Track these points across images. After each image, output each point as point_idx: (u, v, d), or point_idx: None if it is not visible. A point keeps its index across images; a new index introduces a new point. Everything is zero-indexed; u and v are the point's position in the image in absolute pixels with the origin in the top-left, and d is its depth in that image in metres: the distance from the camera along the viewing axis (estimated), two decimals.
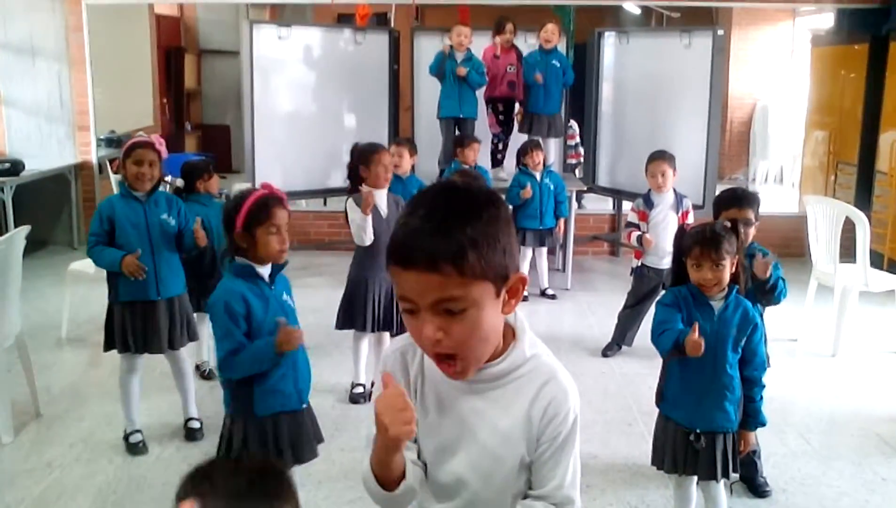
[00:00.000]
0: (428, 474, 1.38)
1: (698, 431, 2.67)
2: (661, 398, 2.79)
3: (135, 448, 3.62)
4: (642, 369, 4.62)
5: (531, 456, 1.31)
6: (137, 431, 3.67)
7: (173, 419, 3.87)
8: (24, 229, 3.91)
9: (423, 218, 1.15)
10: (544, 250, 6.13)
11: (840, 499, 3.31)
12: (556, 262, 6.75)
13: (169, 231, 3.54)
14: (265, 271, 2.60)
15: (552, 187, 5.99)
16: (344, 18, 9.55)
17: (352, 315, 4.07)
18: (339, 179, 6.17)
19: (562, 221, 6.14)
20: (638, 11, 9.56)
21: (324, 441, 2.81)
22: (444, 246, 1.12)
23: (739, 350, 2.66)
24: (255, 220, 2.51)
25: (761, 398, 2.72)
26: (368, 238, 3.93)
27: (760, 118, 11.14)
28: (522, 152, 6.02)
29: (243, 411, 2.62)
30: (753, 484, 3.31)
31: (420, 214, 1.15)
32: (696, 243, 2.62)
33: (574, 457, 1.33)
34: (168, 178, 8.15)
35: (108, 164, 7.91)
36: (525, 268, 6.04)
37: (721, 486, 2.74)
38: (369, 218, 3.91)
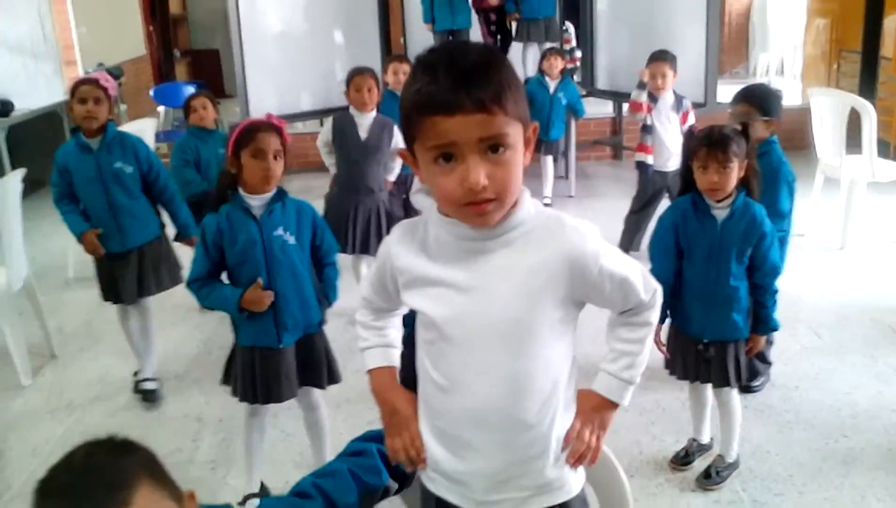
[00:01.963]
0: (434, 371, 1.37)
1: (706, 342, 2.66)
2: (670, 310, 2.74)
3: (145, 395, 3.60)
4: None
5: (567, 300, 1.31)
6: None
7: (185, 351, 3.89)
8: (20, 172, 3.87)
9: (448, 69, 1.19)
10: (549, 158, 6.08)
11: (853, 392, 3.34)
12: (559, 169, 6.69)
13: (126, 180, 3.36)
14: (257, 201, 2.50)
15: (564, 102, 5.90)
16: None
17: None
18: (335, 98, 6.06)
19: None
20: None
21: (335, 381, 2.74)
22: (487, 87, 1.18)
23: (745, 260, 2.59)
24: (240, 144, 2.44)
25: (773, 303, 2.65)
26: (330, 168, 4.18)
27: (759, 8, 10.88)
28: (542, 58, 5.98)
29: (235, 337, 2.62)
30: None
31: (442, 69, 1.19)
32: (702, 144, 2.54)
33: (632, 271, 1.36)
34: (161, 108, 8.10)
35: None
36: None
37: (734, 392, 2.76)
38: (331, 157, 4.15)
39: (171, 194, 3.52)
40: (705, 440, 2.94)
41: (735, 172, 2.52)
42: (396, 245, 1.39)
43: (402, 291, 1.38)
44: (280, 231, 2.51)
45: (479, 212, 1.23)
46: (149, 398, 3.57)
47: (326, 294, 2.67)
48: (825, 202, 5.20)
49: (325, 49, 7.03)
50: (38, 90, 7.19)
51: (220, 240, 2.49)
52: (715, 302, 2.62)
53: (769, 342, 3.26)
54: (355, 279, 4.20)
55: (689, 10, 6.02)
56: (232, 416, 3.26)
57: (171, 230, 3.63)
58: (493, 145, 1.20)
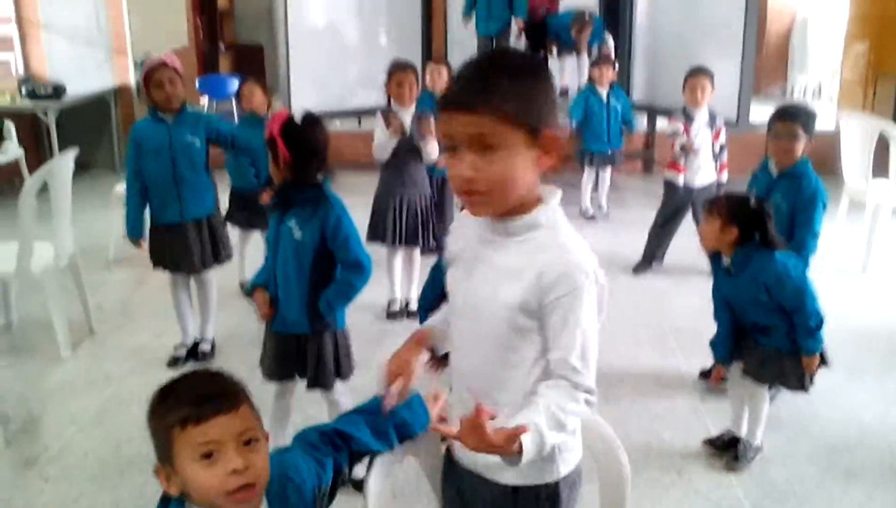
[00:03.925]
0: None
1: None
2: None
3: (173, 361, 3.84)
4: (672, 286, 4.72)
5: (530, 307, 1.39)
6: (184, 345, 3.89)
7: (217, 333, 4.06)
8: (72, 152, 4.05)
9: (468, 69, 1.37)
10: (608, 170, 6.20)
11: (861, 410, 3.42)
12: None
13: (193, 153, 3.61)
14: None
15: (619, 108, 5.99)
16: None
17: (377, 229, 4.23)
18: (373, 98, 6.22)
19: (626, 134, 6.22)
20: None
21: (345, 374, 2.84)
22: (480, 91, 1.32)
23: (766, 301, 2.80)
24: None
25: (809, 337, 2.83)
26: (383, 156, 4.19)
27: (800, 30, 10.88)
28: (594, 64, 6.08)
29: None
30: None
31: (468, 69, 1.38)
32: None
33: (582, 333, 1.37)
34: (204, 99, 8.31)
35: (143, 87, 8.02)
36: (588, 190, 6.13)
37: (764, 388, 2.95)
38: (392, 138, 4.14)
39: (248, 144, 3.80)
40: (742, 433, 3.07)
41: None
42: (460, 224, 1.59)
43: (448, 268, 1.58)
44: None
45: (468, 202, 1.40)
46: (203, 358, 3.86)
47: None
48: (849, 226, 5.25)
49: (368, 50, 7.21)
50: (89, 77, 7.45)
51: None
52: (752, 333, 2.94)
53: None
54: (387, 273, 4.33)
55: (726, 28, 6.10)
56: (259, 399, 3.41)
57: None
58: (484, 144, 1.33)
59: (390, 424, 1.56)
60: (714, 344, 3.02)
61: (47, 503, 2.82)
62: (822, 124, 6.71)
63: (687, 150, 4.67)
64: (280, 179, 2.63)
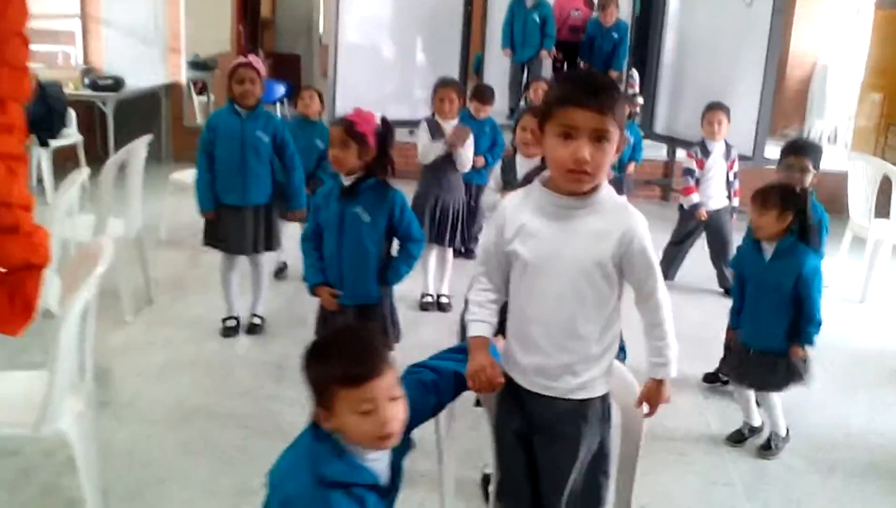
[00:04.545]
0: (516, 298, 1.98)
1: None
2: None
3: (228, 331, 4.23)
4: (682, 301, 5.06)
5: (619, 259, 1.88)
6: (233, 317, 4.27)
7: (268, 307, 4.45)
8: (146, 139, 4.47)
9: (586, 80, 1.85)
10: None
11: (849, 418, 3.78)
12: None
13: (260, 147, 3.99)
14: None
15: (631, 141, 6.33)
16: None
17: None
18: (406, 112, 6.64)
19: (632, 165, 6.53)
20: None
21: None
22: (610, 99, 1.79)
23: (788, 290, 3.18)
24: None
25: (811, 326, 3.23)
26: (427, 160, 4.57)
27: (819, 77, 11.26)
28: None
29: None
30: None
31: (581, 80, 1.90)
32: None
33: (656, 264, 1.93)
34: None
35: (191, 85, 8.47)
36: None
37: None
38: (437, 144, 4.53)
39: (294, 166, 4.12)
40: (757, 423, 3.47)
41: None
42: (515, 206, 1.96)
43: (508, 242, 1.94)
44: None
45: (577, 179, 1.82)
46: (254, 331, 4.25)
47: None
48: (852, 260, 5.62)
49: (405, 66, 7.64)
50: (143, 72, 7.90)
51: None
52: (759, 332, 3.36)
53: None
54: (421, 268, 4.70)
55: (748, 69, 6.50)
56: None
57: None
58: (599, 137, 1.78)
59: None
60: (732, 312, 3.46)
61: (123, 439, 3.20)
62: (835, 166, 7.13)
63: (699, 217, 5.07)
64: (350, 171, 3.03)
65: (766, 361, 3.26)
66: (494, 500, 2.18)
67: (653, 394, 2.00)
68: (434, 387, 1.93)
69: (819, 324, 3.20)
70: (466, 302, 2.11)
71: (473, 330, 2.02)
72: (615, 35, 7.26)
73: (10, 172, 2.46)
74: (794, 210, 3.18)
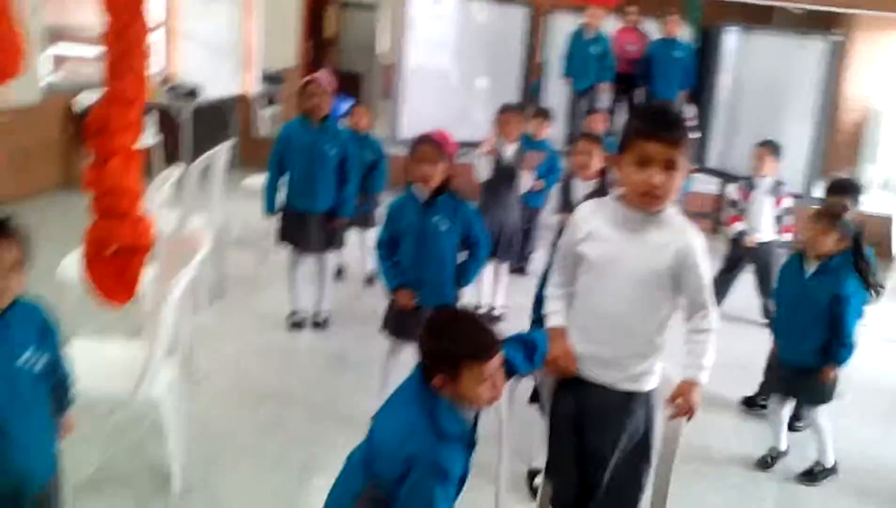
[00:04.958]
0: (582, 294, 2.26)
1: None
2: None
3: (293, 326, 4.54)
4: (726, 329, 5.12)
5: (675, 271, 2.14)
6: (297, 312, 4.58)
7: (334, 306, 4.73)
8: (229, 143, 4.81)
9: (663, 116, 2.15)
10: None
11: (887, 453, 3.95)
12: None
13: (326, 159, 4.29)
14: (423, 195, 3.35)
15: None
16: None
17: None
18: (465, 134, 6.91)
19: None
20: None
21: None
22: (681, 134, 2.09)
23: (824, 307, 3.36)
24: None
25: (844, 349, 3.40)
26: (481, 177, 4.83)
27: (873, 122, 11.33)
28: None
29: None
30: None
31: (659, 115, 2.16)
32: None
33: (707, 280, 2.18)
34: None
35: (259, 97, 8.87)
36: None
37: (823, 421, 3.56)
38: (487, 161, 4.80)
39: (350, 178, 4.41)
40: (783, 447, 3.64)
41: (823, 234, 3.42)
42: (587, 213, 2.25)
43: (578, 243, 2.22)
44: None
45: (649, 202, 2.11)
46: (319, 326, 4.56)
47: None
48: (894, 302, 5.74)
49: (469, 90, 7.95)
50: (217, 84, 8.29)
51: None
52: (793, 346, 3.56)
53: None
54: (476, 281, 4.94)
55: (801, 110, 6.70)
56: (368, 359, 4.07)
57: None
58: (669, 166, 2.06)
59: (538, 354, 2.22)
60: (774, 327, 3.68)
61: (199, 412, 3.49)
62: (883, 210, 7.23)
63: (748, 243, 5.25)
64: (431, 185, 3.33)
65: (797, 376, 3.45)
66: (543, 477, 2.43)
67: (685, 393, 2.19)
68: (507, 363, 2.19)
69: (851, 347, 3.38)
70: (537, 298, 2.37)
71: (552, 321, 2.32)
72: (678, 54, 7.44)
73: (126, 164, 2.81)
74: (853, 239, 3.38)
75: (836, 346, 3.37)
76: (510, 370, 2.16)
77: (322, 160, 4.29)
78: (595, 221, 2.21)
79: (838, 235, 3.35)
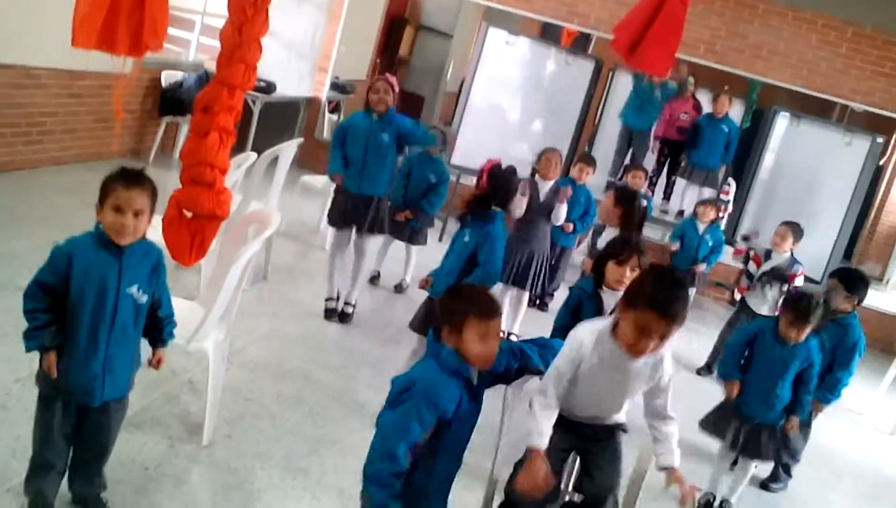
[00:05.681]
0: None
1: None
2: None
3: (328, 313, 4.93)
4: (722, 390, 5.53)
5: (650, 386, 2.62)
6: (333, 299, 4.97)
7: (366, 308, 5.10)
8: (297, 141, 5.24)
9: (668, 297, 2.37)
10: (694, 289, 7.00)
11: None
12: None
13: (381, 148, 4.72)
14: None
15: (710, 243, 6.66)
16: (547, 27, 9.83)
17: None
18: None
19: (703, 265, 6.91)
20: None
21: None
22: (681, 314, 2.38)
23: (794, 371, 3.72)
24: None
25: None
26: (517, 214, 5.02)
27: None
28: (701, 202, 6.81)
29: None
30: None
31: (664, 294, 2.37)
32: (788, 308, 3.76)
33: (672, 392, 2.63)
34: None
35: (327, 102, 9.34)
36: None
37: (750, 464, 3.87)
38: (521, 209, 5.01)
39: (391, 162, 4.86)
40: (720, 493, 3.95)
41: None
42: (588, 346, 2.56)
43: (579, 369, 2.57)
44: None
45: (639, 355, 2.47)
46: (344, 320, 4.93)
47: None
48: (890, 395, 6.00)
49: (524, 130, 8.34)
50: (291, 83, 8.79)
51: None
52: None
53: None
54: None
55: (835, 202, 6.98)
56: (387, 360, 4.45)
57: None
58: (664, 337, 2.39)
59: (552, 355, 2.62)
60: (725, 374, 3.94)
61: (231, 376, 3.86)
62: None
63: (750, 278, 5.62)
64: (466, 202, 3.71)
65: (763, 432, 3.76)
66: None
67: (678, 481, 2.53)
68: (524, 357, 2.57)
69: (811, 394, 3.79)
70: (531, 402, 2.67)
71: (535, 441, 2.50)
72: (725, 128, 7.80)
73: (222, 141, 3.24)
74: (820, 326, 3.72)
75: (801, 396, 3.74)
76: (525, 364, 2.53)
77: (375, 149, 4.71)
78: (594, 359, 2.54)
79: (809, 328, 3.67)
